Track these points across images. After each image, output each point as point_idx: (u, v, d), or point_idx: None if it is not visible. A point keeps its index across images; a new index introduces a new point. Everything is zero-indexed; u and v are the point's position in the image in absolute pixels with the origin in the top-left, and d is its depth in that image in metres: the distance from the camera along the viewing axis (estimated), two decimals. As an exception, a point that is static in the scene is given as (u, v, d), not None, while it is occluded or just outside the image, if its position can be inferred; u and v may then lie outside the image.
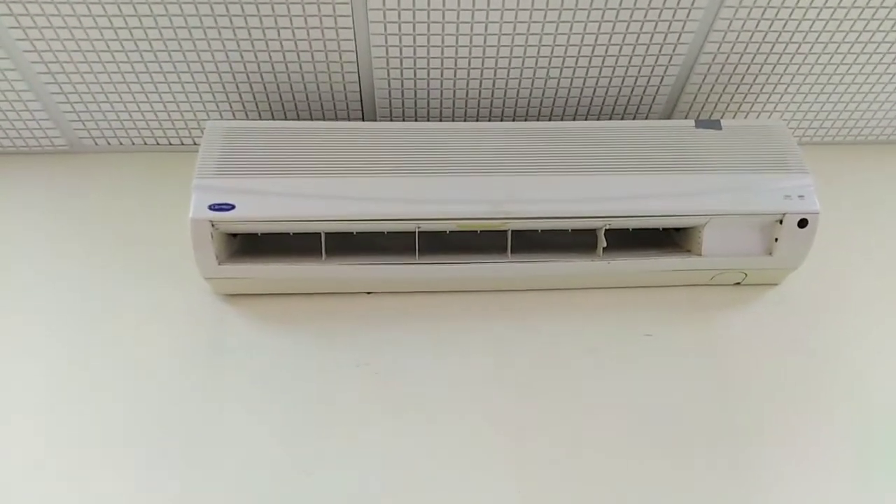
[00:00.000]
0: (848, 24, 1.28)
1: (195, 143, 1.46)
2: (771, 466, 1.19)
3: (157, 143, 1.48)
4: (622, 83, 1.38)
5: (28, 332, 1.26)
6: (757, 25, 1.27)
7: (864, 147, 1.62)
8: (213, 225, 1.16)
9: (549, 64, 1.33)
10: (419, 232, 1.22)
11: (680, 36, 1.28)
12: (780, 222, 1.24)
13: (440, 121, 1.45)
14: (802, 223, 1.24)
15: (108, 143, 1.48)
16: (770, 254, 1.28)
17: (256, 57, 1.28)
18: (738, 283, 1.36)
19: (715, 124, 1.31)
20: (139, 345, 1.25)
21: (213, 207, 1.16)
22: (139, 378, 1.22)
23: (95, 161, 1.48)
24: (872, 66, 1.39)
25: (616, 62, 1.33)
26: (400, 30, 1.24)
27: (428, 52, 1.29)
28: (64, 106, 1.37)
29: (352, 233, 1.23)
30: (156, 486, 1.13)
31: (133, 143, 1.48)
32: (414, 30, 1.24)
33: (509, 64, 1.32)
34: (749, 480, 1.17)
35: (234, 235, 1.26)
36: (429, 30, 1.24)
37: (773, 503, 1.16)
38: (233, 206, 1.16)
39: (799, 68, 1.38)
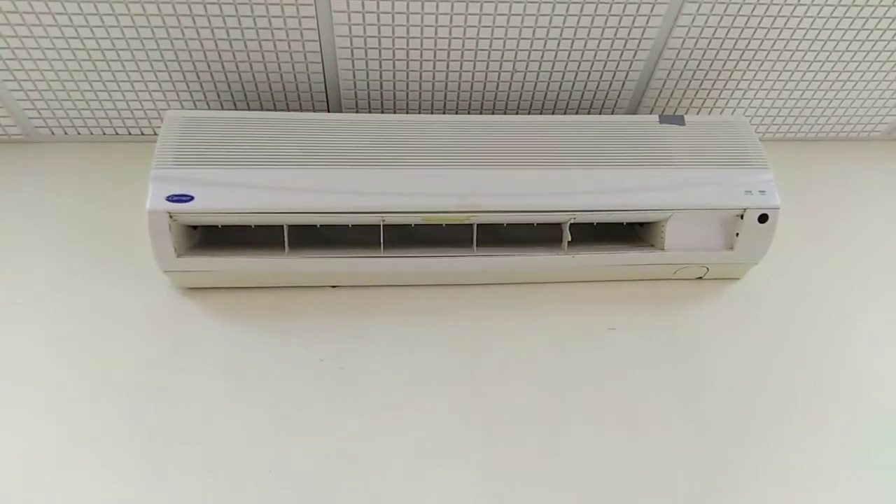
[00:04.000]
0: (808, 21, 1.30)
1: (155, 133, 1.43)
2: (732, 456, 1.20)
3: (116, 133, 1.44)
4: (588, 78, 1.39)
5: (-21, 327, 1.22)
6: (719, 22, 1.29)
7: (823, 143, 1.65)
8: (171, 217, 1.14)
9: (516, 58, 1.32)
10: (384, 225, 1.21)
11: (644, 31, 1.29)
12: (741, 217, 1.26)
13: (406, 113, 1.44)
14: (763, 218, 1.26)
15: (66, 133, 1.44)
16: (731, 248, 1.29)
17: (217, 45, 1.25)
18: (701, 278, 1.38)
19: (678, 120, 1.32)
20: (96, 339, 1.22)
21: (172, 199, 1.13)
22: (96, 373, 1.19)
23: (52, 151, 1.44)
24: (832, 64, 1.41)
25: (581, 57, 1.34)
26: (364, 20, 1.22)
27: (393, 44, 1.27)
28: (17, 94, 1.32)
29: (315, 225, 1.22)
30: (115, 483, 1.10)
31: (91, 133, 1.44)
32: (378, 20, 1.22)
33: (475, 57, 1.32)
34: (711, 471, 1.19)
35: (195, 227, 1.24)
36: (393, 20, 1.23)
37: (735, 493, 1.18)
38: (192, 198, 1.14)
39: (761, 65, 1.40)
